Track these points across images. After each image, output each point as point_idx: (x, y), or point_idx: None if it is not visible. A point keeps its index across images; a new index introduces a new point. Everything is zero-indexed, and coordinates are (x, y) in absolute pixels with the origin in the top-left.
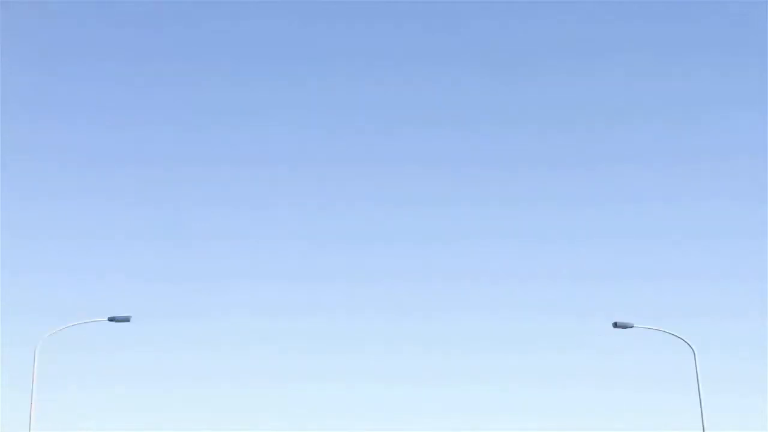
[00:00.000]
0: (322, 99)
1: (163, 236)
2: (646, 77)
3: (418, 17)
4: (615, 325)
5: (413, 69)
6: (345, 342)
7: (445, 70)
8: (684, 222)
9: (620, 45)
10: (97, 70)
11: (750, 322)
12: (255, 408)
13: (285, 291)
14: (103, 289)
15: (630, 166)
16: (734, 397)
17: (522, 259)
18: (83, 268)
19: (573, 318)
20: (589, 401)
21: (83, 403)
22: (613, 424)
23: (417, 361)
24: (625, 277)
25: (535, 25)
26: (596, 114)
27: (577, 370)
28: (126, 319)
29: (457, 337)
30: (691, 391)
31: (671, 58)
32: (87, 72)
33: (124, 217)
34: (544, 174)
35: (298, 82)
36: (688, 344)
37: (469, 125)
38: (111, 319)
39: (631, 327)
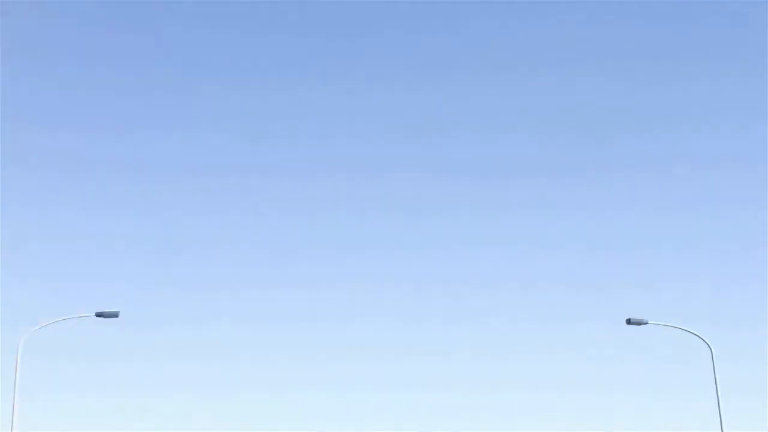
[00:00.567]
0: (318, 106)
1: (156, 243)
2: (646, 82)
3: (415, 20)
4: (629, 321)
5: (410, 74)
6: (341, 349)
7: (443, 76)
8: (686, 227)
9: (620, 48)
10: (95, 75)
11: (762, 324)
12: (248, 415)
13: (279, 298)
14: (95, 294)
15: (629, 171)
16: (749, 398)
17: (527, 264)
18: (75, 273)
19: (583, 320)
20: (601, 403)
21: (69, 410)
22: (627, 426)
23: (418, 367)
24: (631, 281)
25: (534, 30)
26: (596, 119)
27: (587, 372)
28: (114, 315)
29: (457, 344)
30: (706, 392)
31: (672, 60)
32: (85, 77)
33: (116, 223)
34: (543, 180)
35: (295, 90)
36: (705, 342)
37: (468, 131)
38: (99, 315)
39: (645, 324)
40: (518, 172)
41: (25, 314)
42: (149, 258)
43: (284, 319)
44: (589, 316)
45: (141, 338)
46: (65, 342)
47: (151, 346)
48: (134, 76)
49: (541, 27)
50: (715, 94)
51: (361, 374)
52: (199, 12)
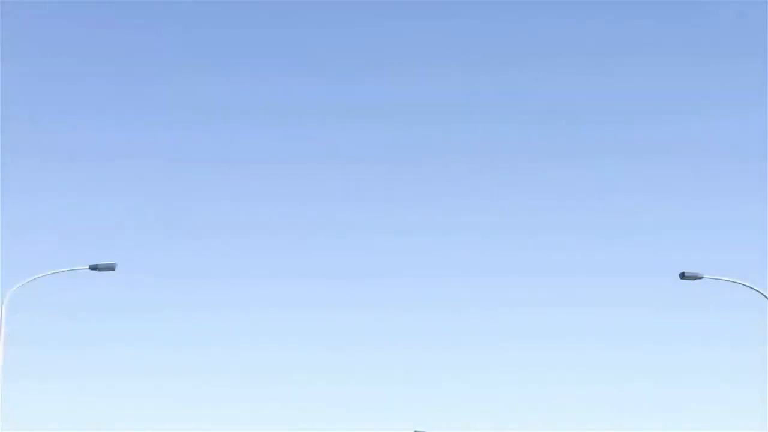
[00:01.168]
0: (324, 95)
1: (160, 231)
2: (647, 76)
3: (418, 12)
4: (682, 276)
5: (414, 65)
6: (342, 338)
7: (445, 66)
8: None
9: (621, 44)
10: (96, 68)
11: None
12: (245, 369)
13: (282, 287)
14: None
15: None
16: None
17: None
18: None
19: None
20: (656, 360)
21: (57, 366)
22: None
23: (422, 359)
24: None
25: (537, 20)
26: (601, 111)
27: (643, 327)
28: (111, 268)
29: (457, 331)
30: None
31: (672, 57)
32: (86, 70)
33: (123, 212)
34: (546, 168)
35: (297, 79)
36: (763, 294)
37: (469, 121)
38: (93, 268)
39: (701, 278)
40: (524, 159)
41: (22, 268)
42: (152, 245)
43: (282, 308)
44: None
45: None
46: (58, 297)
47: (149, 300)
48: (135, 66)
49: (542, 23)
50: (715, 87)
51: (365, 365)
52: (199, 3)
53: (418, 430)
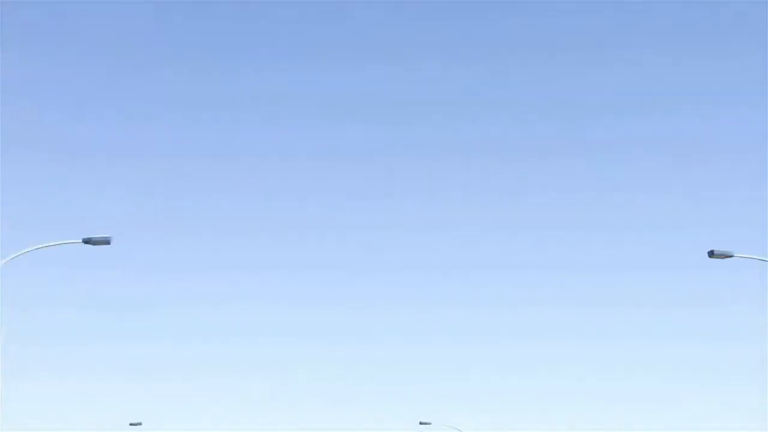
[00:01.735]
0: (324, 90)
1: (160, 226)
2: (647, 74)
3: (418, 9)
4: (711, 254)
5: (414, 61)
6: (344, 334)
7: (448, 61)
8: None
9: (622, 39)
10: (95, 62)
11: None
12: (250, 399)
13: (283, 282)
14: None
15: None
16: None
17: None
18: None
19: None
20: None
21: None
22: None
23: (433, 353)
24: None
25: (538, 16)
26: (601, 107)
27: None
28: (106, 241)
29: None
30: None
31: (672, 52)
32: (85, 64)
33: (123, 205)
34: (549, 163)
35: (297, 75)
36: None
37: (474, 116)
38: (86, 241)
39: (730, 257)
40: (533, 155)
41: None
42: (151, 239)
43: (284, 302)
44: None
45: (146, 322)
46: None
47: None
48: (139, 60)
49: (544, 18)
50: (715, 82)
51: (366, 360)
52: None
53: (423, 421)
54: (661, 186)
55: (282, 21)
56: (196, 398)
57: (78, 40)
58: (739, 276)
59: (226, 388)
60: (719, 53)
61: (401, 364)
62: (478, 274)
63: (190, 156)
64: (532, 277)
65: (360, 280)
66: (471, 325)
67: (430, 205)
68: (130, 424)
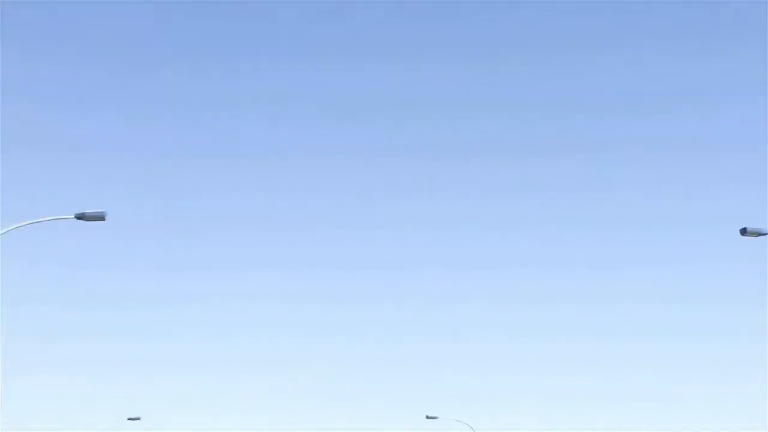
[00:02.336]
0: (322, 89)
1: (160, 224)
2: (647, 71)
3: (421, 6)
4: (744, 231)
5: (414, 59)
6: (346, 331)
7: (448, 61)
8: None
9: (622, 39)
10: (94, 61)
11: None
12: (250, 397)
13: (284, 280)
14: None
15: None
16: None
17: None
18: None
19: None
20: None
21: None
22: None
23: (432, 350)
24: None
25: (537, 15)
26: (601, 105)
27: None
28: (100, 217)
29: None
30: None
31: (672, 52)
32: (85, 63)
33: (123, 205)
34: (547, 161)
35: (296, 74)
36: None
37: (474, 115)
38: (79, 217)
39: (764, 234)
40: (533, 154)
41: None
42: (148, 237)
43: (280, 300)
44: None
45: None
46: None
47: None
48: (135, 59)
49: (542, 17)
50: (715, 80)
51: (368, 356)
52: None
53: (429, 416)
54: (661, 186)
55: (282, 21)
56: (196, 396)
57: (78, 40)
58: (739, 274)
59: (229, 385)
60: (719, 53)
61: (405, 361)
62: (479, 273)
63: (190, 156)
64: (531, 276)
65: (360, 277)
66: (475, 322)
67: (430, 206)
68: (129, 419)
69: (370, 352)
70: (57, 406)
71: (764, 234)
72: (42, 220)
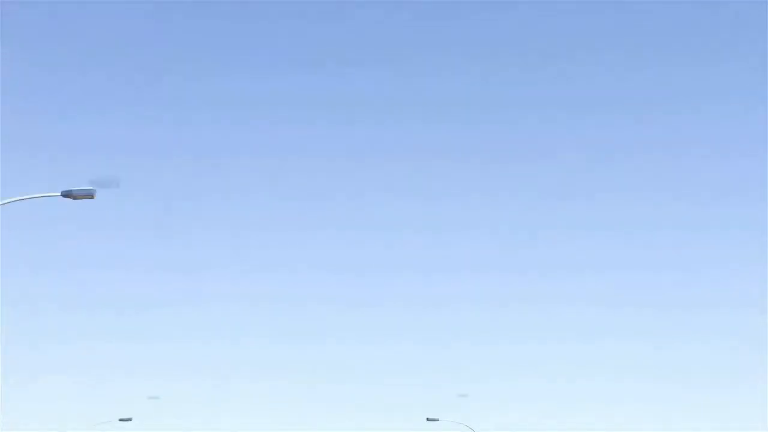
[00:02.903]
0: (322, 92)
1: (159, 225)
2: (648, 71)
3: (421, 6)
4: None
5: (412, 62)
6: (348, 332)
7: (448, 61)
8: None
9: (622, 39)
10: (98, 61)
11: None
12: (250, 400)
13: (283, 281)
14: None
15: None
16: None
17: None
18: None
19: None
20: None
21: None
22: None
23: (422, 352)
24: None
25: (537, 18)
26: (602, 108)
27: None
28: (89, 194)
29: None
30: None
31: (672, 53)
32: (84, 65)
33: (123, 205)
34: (546, 164)
35: (295, 76)
36: None
37: (474, 116)
38: (66, 195)
39: None
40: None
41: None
42: (143, 240)
43: (273, 302)
44: None
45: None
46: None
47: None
48: (133, 61)
49: (538, 18)
50: (713, 82)
51: (367, 359)
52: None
53: (430, 418)
54: (662, 186)
55: (282, 21)
56: (196, 397)
57: (78, 40)
58: (740, 277)
59: (228, 387)
60: (719, 54)
61: (406, 363)
62: (479, 274)
63: (190, 156)
64: (531, 278)
65: (361, 279)
66: (475, 324)
67: (429, 208)
68: (120, 420)
69: (371, 354)
70: (57, 406)
71: None
72: (28, 197)
